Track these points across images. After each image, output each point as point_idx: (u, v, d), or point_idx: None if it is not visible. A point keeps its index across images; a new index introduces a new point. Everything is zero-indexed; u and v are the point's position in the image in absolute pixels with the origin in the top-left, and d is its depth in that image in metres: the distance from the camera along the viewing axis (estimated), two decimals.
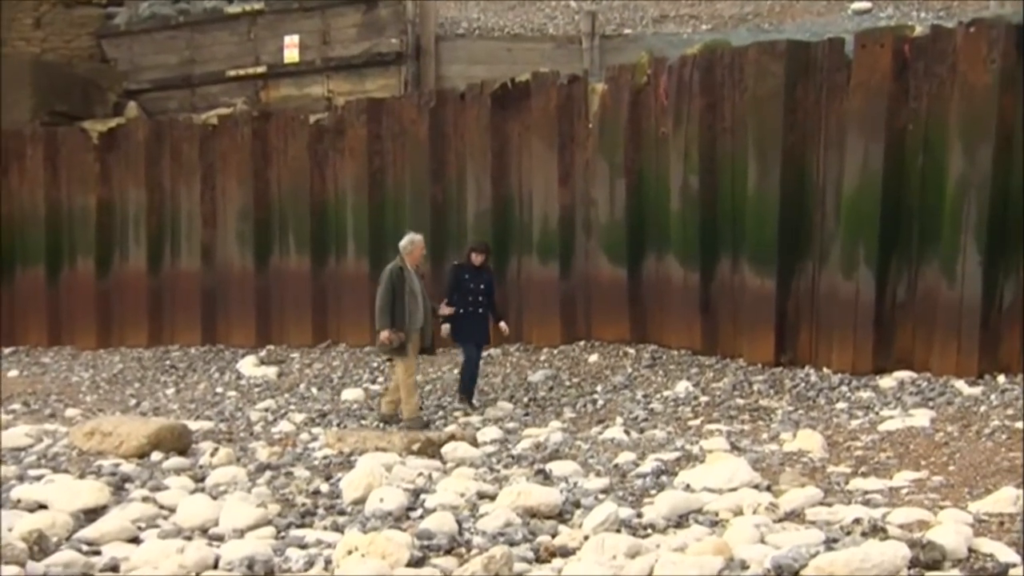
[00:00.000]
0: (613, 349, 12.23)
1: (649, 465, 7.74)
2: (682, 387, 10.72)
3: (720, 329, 11.72)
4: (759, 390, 10.49)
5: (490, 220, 13.10)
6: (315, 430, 10.19)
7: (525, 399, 10.96)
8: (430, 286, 10.76)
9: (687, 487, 7.05)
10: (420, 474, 7.70)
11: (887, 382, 10.12)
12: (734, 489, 6.89)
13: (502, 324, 11.03)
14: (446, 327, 10.72)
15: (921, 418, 8.82)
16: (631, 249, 12.38)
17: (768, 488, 6.95)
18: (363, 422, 10.58)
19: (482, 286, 10.80)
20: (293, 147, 14.34)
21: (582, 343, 12.55)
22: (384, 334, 9.92)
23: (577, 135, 12.82)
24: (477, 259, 10.87)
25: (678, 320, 11.94)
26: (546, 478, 7.55)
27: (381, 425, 10.19)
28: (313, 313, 14.11)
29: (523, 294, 12.93)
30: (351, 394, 11.69)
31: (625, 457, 8.15)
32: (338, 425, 10.45)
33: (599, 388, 11.08)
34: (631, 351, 12.09)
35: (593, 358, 12.08)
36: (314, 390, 12.14)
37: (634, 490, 7.18)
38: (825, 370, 10.75)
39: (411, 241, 10.31)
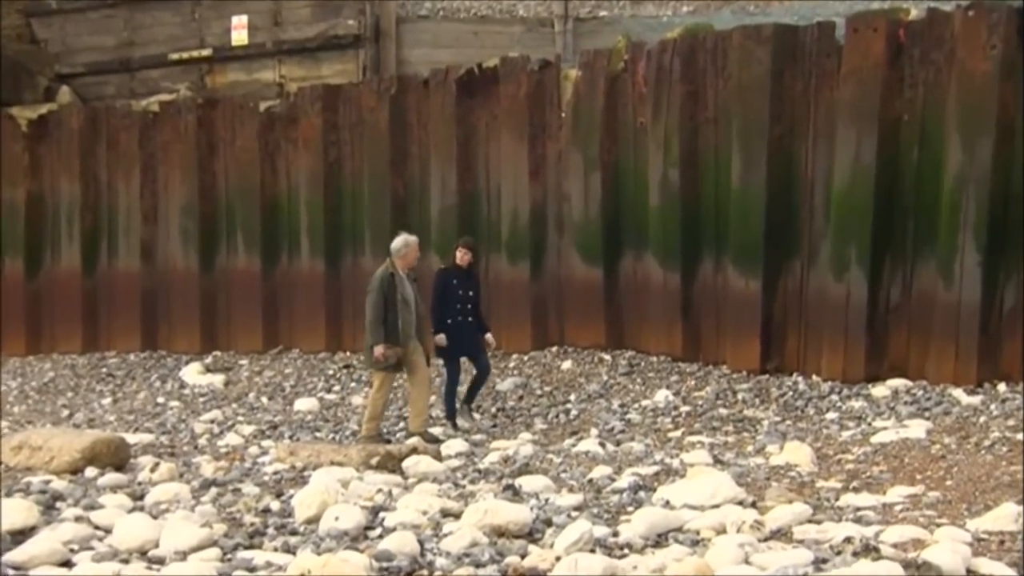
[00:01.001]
0: (588, 355, 12.24)
1: (626, 480, 7.75)
2: (661, 396, 10.75)
3: (702, 334, 11.76)
4: (744, 399, 10.54)
5: (455, 216, 13.09)
6: (265, 443, 10.15)
7: (493, 409, 10.95)
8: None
9: (666, 504, 7.06)
10: (379, 490, 7.66)
11: (880, 391, 10.20)
12: (717, 506, 6.91)
13: (488, 336, 10.56)
14: (441, 337, 10.29)
15: (916, 429, 8.89)
16: (607, 248, 12.40)
17: (753, 504, 6.97)
18: (317, 434, 10.54)
19: (471, 292, 10.39)
20: (241, 137, 14.26)
21: (554, 349, 12.55)
22: (378, 350, 9.56)
23: (549, 125, 12.83)
24: (465, 258, 10.41)
25: (657, 324, 11.97)
26: (515, 494, 7.53)
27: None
28: (263, 316, 14.05)
29: (491, 296, 12.90)
30: (304, 404, 11.64)
31: (600, 471, 8.16)
32: (290, 438, 10.40)
33: (572, 397, 11.09)
34: (607, 357, 12.11)
35: (566, 365, 12.09)
36: (264, 400, 12.09)
37: (610, 507, 7.19)
38: (814, 378, 10.81)
39: (405, 243, 9.95)
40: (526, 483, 7.81)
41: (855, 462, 8.23)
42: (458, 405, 10.46)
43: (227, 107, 14.47)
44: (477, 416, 10.54)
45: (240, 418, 11.35)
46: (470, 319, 10.35)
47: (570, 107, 12.63)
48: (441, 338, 10.26)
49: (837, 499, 7.22)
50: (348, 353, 13.61)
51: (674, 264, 11.83)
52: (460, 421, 10.36)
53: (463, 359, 10.56)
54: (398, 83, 13.64)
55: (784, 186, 11.21)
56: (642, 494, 7.39)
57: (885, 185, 10.59)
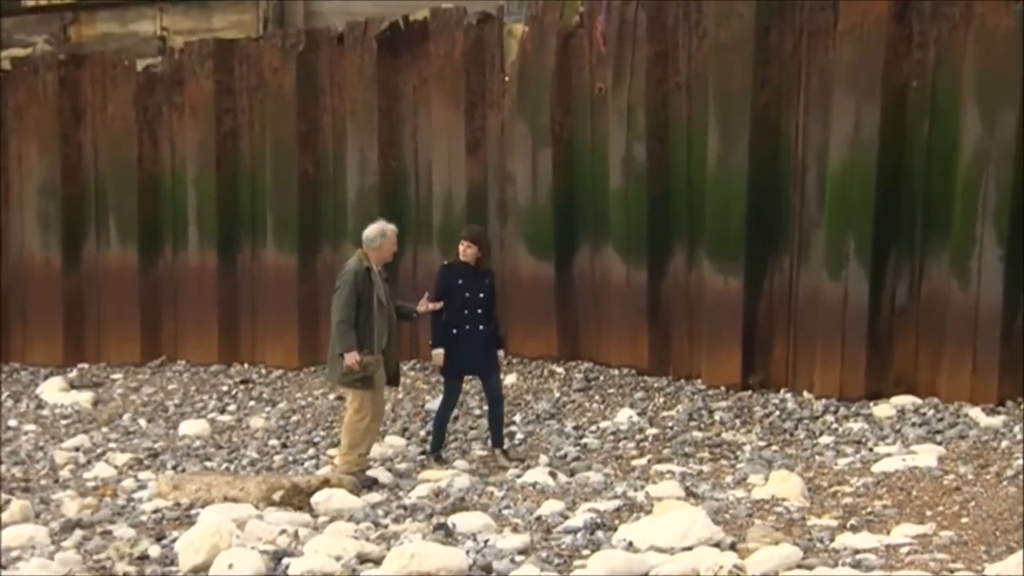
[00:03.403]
0: (536, 368, 12.25)
1: (581, 517, 7.77)
2: (624, 416, 10.79)
3: (672, 342, 11.82)
4: (722, 420, 10.60)
5: (376, 200, 13.04)
6: (143, 475, 10.08)
7: (422, 433, 10.92)
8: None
9: (629, 545, 7.08)
10: (283, 531, 7.64)
11: (883, 410, 10.30)
12: (689, 547, 6.93)
13: (500, 352, 10.31)
14: (439, 352, 9.91)
15: (926, 456, 8.98)
16: (559, 239, 12.42)
17: (732, 546, 7.01)
18: (208, 464, 10.47)
19: (481, 294, 10.01)
20: (115, 102, 14.15)
21: None
22: (351, 357, 9.31)
23: (489, 91, 12.83)
24: (469, 252, 9.99)
25: (619, 331, 12.00)
26: (448, 535, 7.54)
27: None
28: (142, 321, 13.98)
29: (419, 296, 12.86)
30: (192, 427, 11.58)
31: (550, 507, 8.18)
32: (174, 468, 10.34)
33: (518, 418, 11.10)
34: (559, 370, 12.14)
35: (510, 379, 12.08)
36: (142, 422, 12.00)
37: (562, 550, 7.20)
38: (805, 395, 10.91)
39: (382, 232, 9.71)
40: (461, 521, 7.80)
41: (853, 495, 8.30)
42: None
43: (96, 65, 14.33)
44: (506, 460, 9.97)
45: (112, 444, 11.24)
46: (480, 327, 10.00)
47: (515, 69, 12.63)
48: (438, 355, 9.93)
49: (832, 540, 7.28)
50: (246, 365, 13.54)
51: (639, 259, 11.86)
52: (442, 454, 10.13)
53: (469, 377, 10.17)
54: (307, 39, 13.56)
55: (770, 166, 11.27)
56: (600, 534, 7.40)
57: (890, 165, 10.68)
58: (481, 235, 10.43)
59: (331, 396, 12.13)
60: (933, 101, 10.59)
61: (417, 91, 13.12)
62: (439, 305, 9.94)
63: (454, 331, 9.94)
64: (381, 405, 9.94)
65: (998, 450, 9.09)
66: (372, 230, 9.78)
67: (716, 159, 11.39)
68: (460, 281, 10.02)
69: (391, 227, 9.87)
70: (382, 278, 9.66)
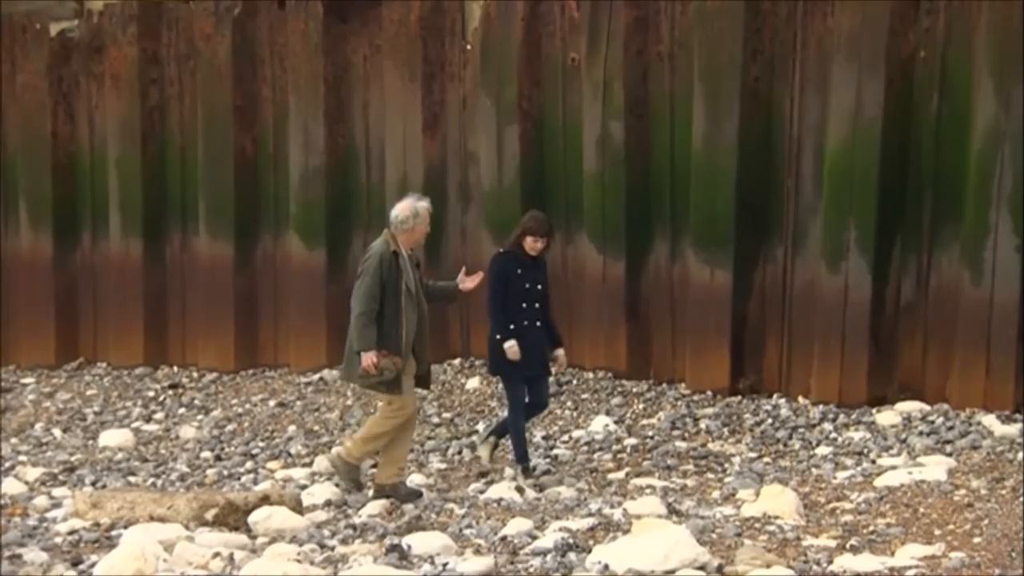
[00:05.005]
0: None
1: (551, 537, 7.78)
2: (599, 425, 10.81)
3: (653, 342, 11.85)
4: (708, 429, 10.63)
5: (322, 183, 13.04)
6: (58, 491, 10.03)
7: None
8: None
9: (605, 568, 7.09)
10: (216, 554, 7.61)
11: (887, 417, 10.35)
12: (672, 571, 6.94)
13: (559, 351, 10.07)
14: (513, 344, 9.59)
15: (935, 469, 9.02)
16: None
17: (720, 569, 7.03)
18: (131, 479, 10.43)
19: (539, 286, 9.93)
20: (26, 72, 14.10)
21: (456, 362, 12.59)
22: (368, 357, 9.06)
23: (449, 61, 12.82)
24: (535, 245, 9.85)
25: (594, 329, 12.03)
26: (402, 557, 7.53)
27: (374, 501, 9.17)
28: (56, 318, 13.96)
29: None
30: (114, 437, 11.55)
31: (517, 526, 8.17)
32: (93, 484, 10.28)
33: (481, 427, 11.10)
34: None
35: (472, 384, 12.10)
36: (57, 432, 11.97)
37: (530, 573, 7.21)
38: (801, 400, 10.96)
39: (415, 213, 9.29)
40: (417, 542, 7.80)
41: (854, 512, 8.33)
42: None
43: (3, 29, 14.21)
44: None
45: (22, 457, 11.18)
46: (538, 323, 9.91)
47: (478, 37, 12.63)
48: (513, 347, 9.65)
49: (830, 561, 7.30)
50: (175, 368, 13.48)
51: (616, 249, 11.89)
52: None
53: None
54: (243, 1, 13.51)
55: (762, 146, 11.31)
56: (572, 556, 7.41)
57: (894, 144, 10.73)
58: (553, 229, 10.25)
59: (271, 403, 12.09)
60: (942, 74, 10.64)
61: (368, 61, 13.10)
62: (479, 277, 9.79)
63: (512, 327, 9.78)
64: (414, 411, 9.67)
65: (1014, 462, 9.13)
66: (403, 209, 9.34)
67: (702, 138, 11.41)
68: (520, 271, 9.85)
69: (423, 204, 9.42)
70: (412, 264, 9.33)
